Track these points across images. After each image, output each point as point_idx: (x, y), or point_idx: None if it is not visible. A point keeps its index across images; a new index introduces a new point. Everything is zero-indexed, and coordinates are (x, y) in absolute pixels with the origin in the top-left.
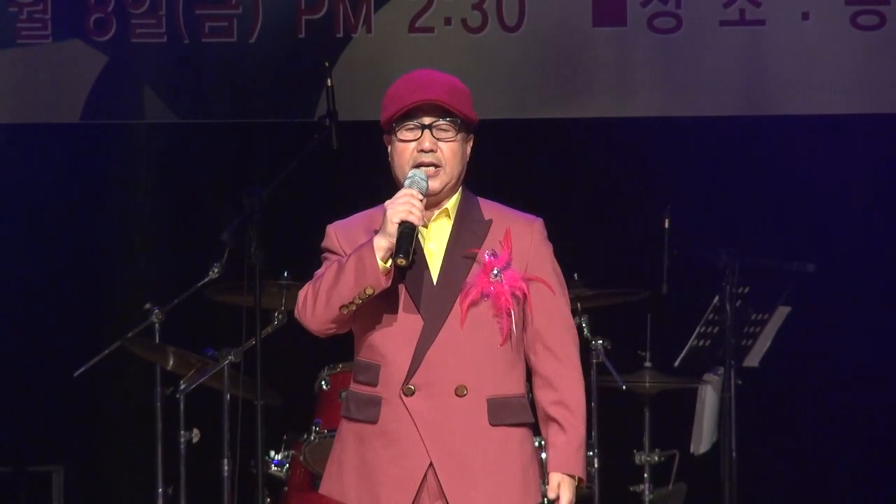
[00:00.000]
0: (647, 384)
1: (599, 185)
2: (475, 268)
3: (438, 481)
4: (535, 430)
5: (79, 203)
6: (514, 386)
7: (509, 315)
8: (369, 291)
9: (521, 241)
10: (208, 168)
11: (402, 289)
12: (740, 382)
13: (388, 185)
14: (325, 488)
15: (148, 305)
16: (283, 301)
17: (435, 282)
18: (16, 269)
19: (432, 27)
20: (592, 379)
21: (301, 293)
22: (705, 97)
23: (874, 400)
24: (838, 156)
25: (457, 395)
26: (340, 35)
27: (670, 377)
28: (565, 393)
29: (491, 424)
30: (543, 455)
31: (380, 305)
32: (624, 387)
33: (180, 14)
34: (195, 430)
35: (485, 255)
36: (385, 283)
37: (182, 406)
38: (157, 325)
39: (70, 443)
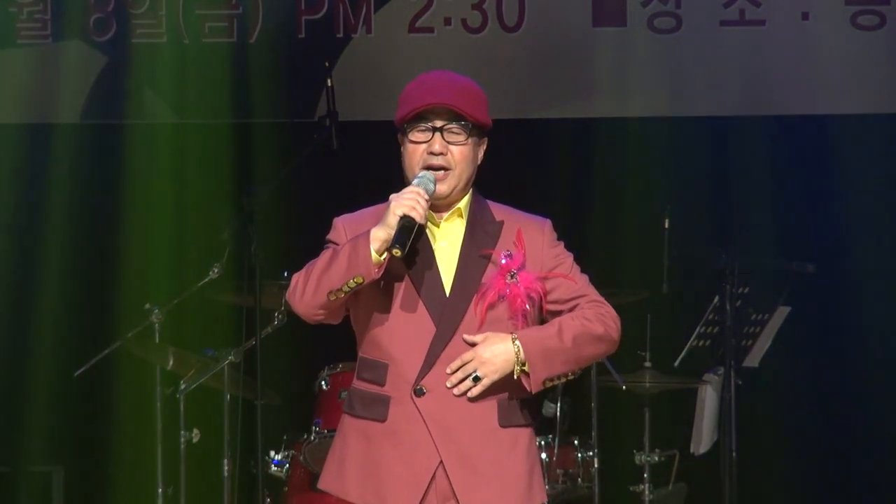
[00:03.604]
0: (647, 384)
1: (599, 185)
2: (490, 268)
3: (448, 481)
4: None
5: (79, 203)
6: (523, 388)
7: (524, 317)
8: (359, 280)
9: (533, 242)
10: (208, 168)
11: (411, 287)
12: (740, 382)
13: (388, 185)
14: (325, 483)
15: (148, 305)
16: (283, 301)
17: (448, 281)
18: (16, 269)
19: (432, 27)
20: (592, 379)
21: (294, 277)
22: (705, 97)
23: (874, 400)
24: (838, 156)
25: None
26: (340, 35)
27: (670, 377)
28: (584, 318)
29: (501, 426)
30: (543, 455)
31: (387, 303)
32: (624, 387)
33: (180, 14)
34: (195, 430)
35: (501, 256)
36: (375, 274)
37: (182, 406)
38: (157, 325)
39: (70, 443)
